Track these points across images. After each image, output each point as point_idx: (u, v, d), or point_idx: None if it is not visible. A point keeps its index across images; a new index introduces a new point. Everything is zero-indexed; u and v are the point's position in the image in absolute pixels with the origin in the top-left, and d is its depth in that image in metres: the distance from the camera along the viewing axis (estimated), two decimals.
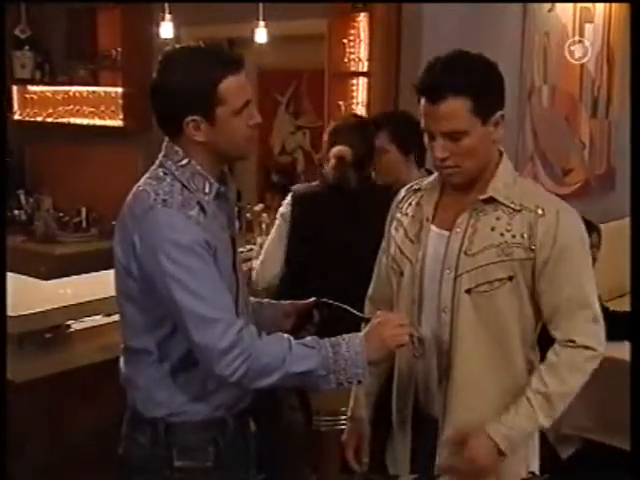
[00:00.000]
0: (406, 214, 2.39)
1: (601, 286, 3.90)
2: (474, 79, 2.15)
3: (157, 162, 2.19)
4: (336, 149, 3.37)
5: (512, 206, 2.20)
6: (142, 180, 2.19)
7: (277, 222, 3.47)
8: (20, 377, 3.12)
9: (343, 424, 3.43)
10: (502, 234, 2.20)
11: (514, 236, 2.19)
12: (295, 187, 3.53)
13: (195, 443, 2.22)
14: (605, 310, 3.96)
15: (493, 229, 2.21)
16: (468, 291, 2.23)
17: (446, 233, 2.27)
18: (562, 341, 2.24)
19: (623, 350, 3.76)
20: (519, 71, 5.24)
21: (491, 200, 2.22)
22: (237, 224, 2.49)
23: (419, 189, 2.41)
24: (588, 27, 5.65)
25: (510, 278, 2.21)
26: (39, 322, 3.19)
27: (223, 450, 2.25)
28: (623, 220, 5.23)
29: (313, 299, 2.42)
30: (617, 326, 3.91)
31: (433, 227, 2.31)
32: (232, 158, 2.25)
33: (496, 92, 2.21)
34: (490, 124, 2.18)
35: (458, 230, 2.25)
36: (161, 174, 2.15)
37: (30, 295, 3.46)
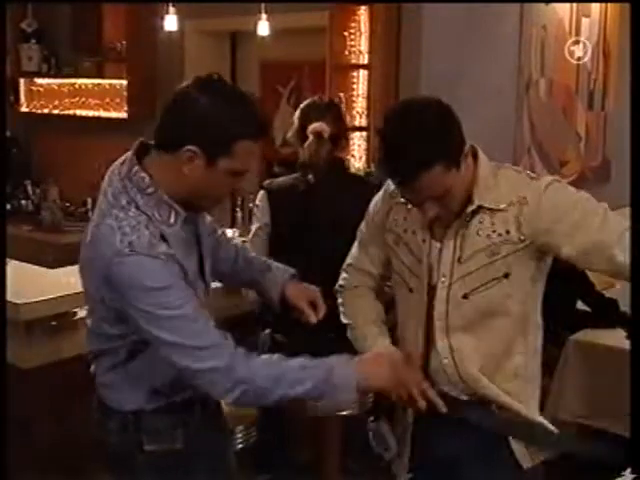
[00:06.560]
0: (405, 230, 2.37)
1: (595, 276, 3.96)
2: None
3: (119, 184, 2.08)
4: (315, 125, 3.36)
5: (497, 208, 2.21)
6: (103, 202, 2.11)
7: (254, 230, 3.41)
8: (27, 364, 3.20)
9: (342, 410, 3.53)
10: (488, 235, 2.22)
11: (500, 235, 2.21)
12: (266, 186, 3.45)
13: (163, 426, 2.20)
14: (601, 297, 4.05)
15: (479, 233, 2.23)
16: (465, 296, 2.26)
17: (438, 245, 2.29)
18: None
19: (619, 337, 3.81)
20: (517, 64, 5.27)
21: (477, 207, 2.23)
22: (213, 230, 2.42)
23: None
24: (585, 21, 5.69)
25: (506, 275, 2.24)
26: (45, 310, 3.23)
27: (193, 432, 2.24)
28: (618, 211, 5.28)
29: None
30: (613, 313, 4.00)
31: (433, 242, 2.31)
32: (194, 203, 2.12)
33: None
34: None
35: (450, 241, 2.27)
36: (124, 203, 2.05)
37: (37, 283, 3.52)
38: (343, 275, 2.62)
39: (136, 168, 2.08)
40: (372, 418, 2.57)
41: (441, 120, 2.13)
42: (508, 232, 2.21)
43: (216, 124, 1.99)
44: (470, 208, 2.23)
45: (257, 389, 2.05)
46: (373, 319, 2.56)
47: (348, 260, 2.61)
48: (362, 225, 2.56)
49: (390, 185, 2.39)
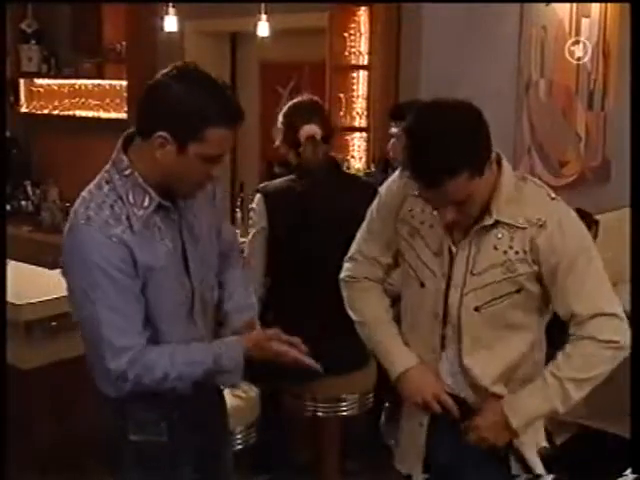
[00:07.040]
0: (422, 222, 2.33)
1: None
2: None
3: (107, 166, 2.18)
4: (308, 128, 3.34)
5: (517, 225, 2.20)
6: (94, 181, 2.20)
7: (252, 233, 3.41)
8: (27, 364, 3.21)
9: (342, 410, 3.54)
10: (505, 252, 2.21)
11: (517, 252, 2.20)
12: (262, 189, 3.43)
13: (148, 418, 2.24)
14: None
15: (496, 248, 2.22)
16: (477, 309, 2.25)
17: (454, 248, 2.28)
18: (581, 337, 2.22)
19: None
20: (517, 65, 5.28)
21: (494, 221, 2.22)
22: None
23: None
24: (585, 21, 5.70)
25: (518, 291, 2.23)
26: (45, 310, 3.25)
27: (180, 427, 2.26)
28: (618, 211, 5.29)
29: None
30: None
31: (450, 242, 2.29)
32: (173, 189, 2.17)
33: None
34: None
35: (464, 250, 2.25)
36: (103, 182, 2.15)
37: (37, 284, 3.52)
38: (349, 265, 2.54)
39: (119, 152, 2.16)
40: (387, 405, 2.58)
41: (471, 127, 2.11)
42: (525, 252, 2.21)
43: (187, 110, 2.03)
44: (488, 222, 2.21)
45: (151, 380, 2.13)
46: (386, 318, 2.51)
47: (355, 248, 2.53)
48: (372, 210, 2.48)
49: (405, 173, 2.31)
